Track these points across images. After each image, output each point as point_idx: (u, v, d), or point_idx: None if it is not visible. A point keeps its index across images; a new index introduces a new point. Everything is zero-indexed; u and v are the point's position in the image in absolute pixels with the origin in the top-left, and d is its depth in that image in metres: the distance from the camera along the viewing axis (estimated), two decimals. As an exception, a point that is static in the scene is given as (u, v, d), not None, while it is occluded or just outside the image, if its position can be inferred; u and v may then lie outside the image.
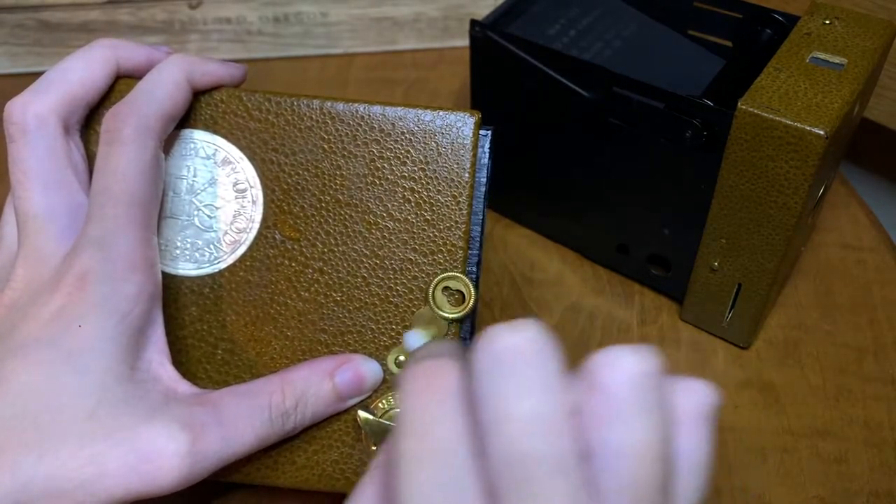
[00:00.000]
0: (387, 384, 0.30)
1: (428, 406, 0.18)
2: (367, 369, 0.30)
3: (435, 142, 0.30)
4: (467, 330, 0.30)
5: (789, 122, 0.30)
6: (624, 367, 0.18)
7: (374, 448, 0.30)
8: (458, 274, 0.29)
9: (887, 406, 0.36)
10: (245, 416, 0.27)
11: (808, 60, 0.33)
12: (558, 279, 0.42)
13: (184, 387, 0.28)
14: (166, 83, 0.28)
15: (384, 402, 0.30)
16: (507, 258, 0.43)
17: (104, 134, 0.27)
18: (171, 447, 0.25)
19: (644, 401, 0.18)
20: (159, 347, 0.28)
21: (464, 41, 0.55)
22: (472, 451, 0.18)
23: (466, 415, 0.18)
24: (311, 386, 0.29)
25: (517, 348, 0.18)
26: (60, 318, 0.25)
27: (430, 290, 0.30)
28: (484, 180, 0.30)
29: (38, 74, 0.29)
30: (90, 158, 0.29)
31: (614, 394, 0.18)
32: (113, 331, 0.26)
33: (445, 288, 0.30)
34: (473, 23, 0.38)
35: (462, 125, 0.30)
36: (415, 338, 0.29)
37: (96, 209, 0.26)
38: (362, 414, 0.29)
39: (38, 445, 0.24)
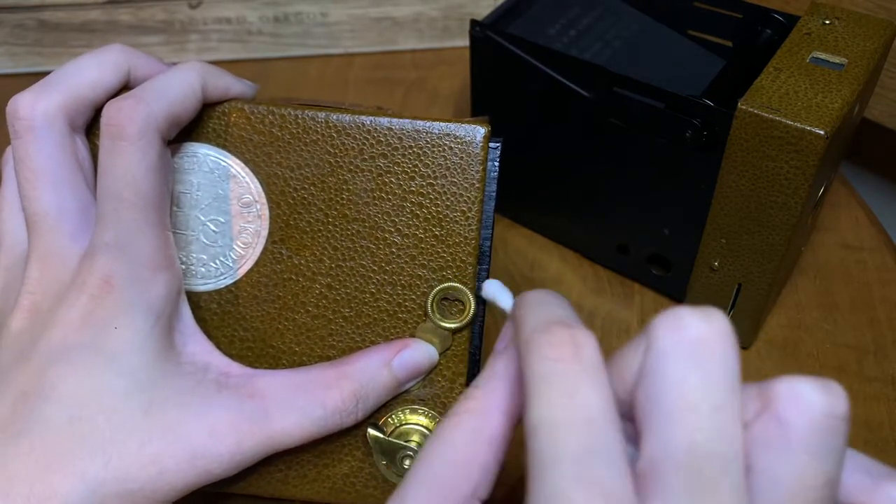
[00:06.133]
0: (396, 399, 0.30)
1: (576, 376, 0.18)
2: (423, 353, 0.29)
3: (443, 156, 0.29)
4: (476, 346, 0.30)
5: (789, 122, 0.30)
6: (809, 406, 0.17)
7: (383, 463, 0.29)
8: (455, 283, 0.29)
9: (887, 406, 0.36)
10: (296, 412, 0.27)
11: (808, 60, 0.33)
12: (558, 279, 0.42)
13: (235, 368, 0.28)
14: (180, 84, 0.27)
15: (394, 418, 0.30)
16: (507, 258, 0.43)
17: (106, 127, 0.26)
18: (219, 448, 0.25)
19: (821, 444, 0.17)
20: (197, 337, 0.28)
21: (464, 41, 0.55)
22: (620, 426, 0.18)
23: (610, 389, 0.18)
24: (370, 379, 0.28)
25: (708, 340, 0.18)
26: (92, 322, 0.25)
27: (429, 301, 0.29)
28: (493, 193, 0.29)
29: (38, 74, 0.28)
30: (94, 156, 0.29)
31: (793, 430, 0.17)
32: (150, 331, 0.26)
33: (444, 298, 0.29)
34: (473, 23, 0.38)
35: (471, 139, 0.29)
36: (496, 287, 0.26)
37: (109, 212, 0.26)
38: (372, 432, 0.29)
39: (102, 450, 0.24)
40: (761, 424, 0.18)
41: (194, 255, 0.30)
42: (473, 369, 0.30)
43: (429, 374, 0.30)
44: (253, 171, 0.30)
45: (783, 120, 0.30)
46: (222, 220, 0.30)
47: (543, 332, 0.19)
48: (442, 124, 0.29)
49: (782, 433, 0.17)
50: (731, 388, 0.18)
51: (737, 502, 0.17)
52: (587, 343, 0.19)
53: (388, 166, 0.29)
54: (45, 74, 0.28)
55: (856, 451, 0.20)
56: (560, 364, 0.18)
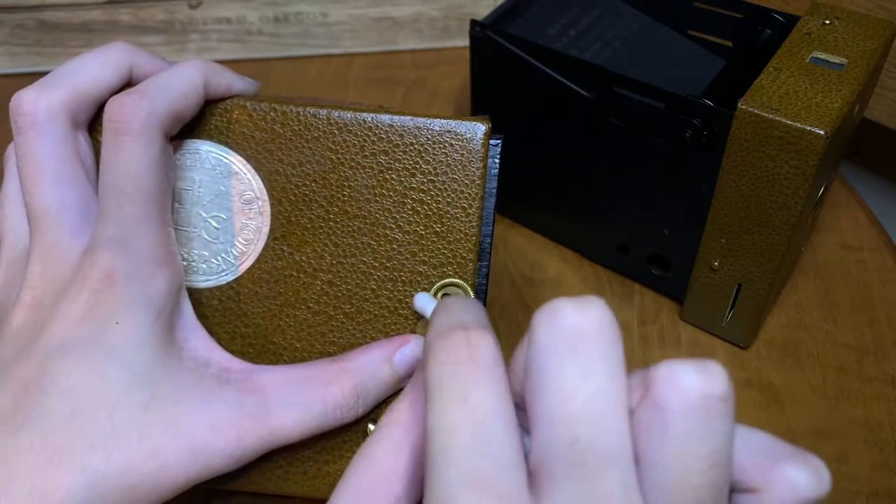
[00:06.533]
0: (396, 395, 0.30)
1: (469, 377, 0.18)
2: (423, 349, 0.29)
3: (444, 152, 0.29)
4: None
5: (789, 122, 0.30)
6: (685, 387, 0.17)
7: None
8: (456, 280, 0.29)
9: (887, 406, 0.36)
10: (296, 408, 0.27)
11: (808, 60, 0.33)
12: (558, 279, 0.42)
13: (236, 364, 0.28)
14: (182, 81, 0.28)
15: None
16: (507, 258, 0.43)
17: (109, 122, 0.26)
18: (220, 443, 0.26)
19: (699, 426, 0.17)
20: (198, 333, 0.28)
21: (464, 41, 0.55)
22: (513, 424, 0.18)
23: (506, 387, 0.18)
24: (371, 375, 0.28)
25: (584, 328, 0.18)
26: (94, 317, 0.25)
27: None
28: (494, 190, 0.29)
29: (38, 74, 0.28)
30: (96, 152, 0.29)
31: (670, 414, 0.17)
32: (151, 326, 0.26)
33: (445, 294, 0.29)
34: (473, 23, 0.38)
35: (472, 135, 0.29)
36: (425, 299, 0.28)
37: (112, 207, 0.26)
38: (372, 428, 0.29)
39: (103, 444, 0.24)
40: (642, 411, 0.17)
41: (196, 252, 0.30)
42: None
43: None
44: (255, 167, 0.30)
45: (783, 120, 0.30)
46: (224, 216, 0.30)
47: (441, 337, 0.19)
48: (443, 121, 0.29)
49: (660, 418, 0.17)
50: (610, 376, 0.17)
51: (624, 491, 0.17)
52: (482, 343, 0.19)
53: (390, 163, 0.29)
54: (44, 74, 0.28)
55: (755, 428, 0.19)
56: (455, 367, 0.18)
